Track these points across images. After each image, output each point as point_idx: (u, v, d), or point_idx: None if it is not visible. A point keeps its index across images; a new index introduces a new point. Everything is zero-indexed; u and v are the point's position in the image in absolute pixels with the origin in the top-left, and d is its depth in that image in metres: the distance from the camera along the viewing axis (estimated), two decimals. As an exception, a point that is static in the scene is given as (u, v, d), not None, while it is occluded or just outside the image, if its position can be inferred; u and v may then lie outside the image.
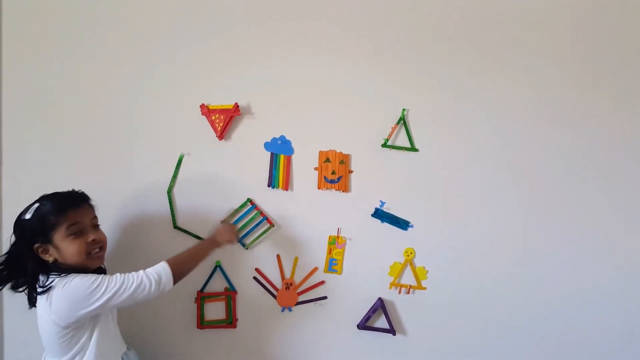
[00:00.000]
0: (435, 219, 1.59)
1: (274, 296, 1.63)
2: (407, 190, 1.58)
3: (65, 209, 1.20)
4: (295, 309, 1.64)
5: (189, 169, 1.57)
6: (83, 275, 1.18)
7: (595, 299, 1.62)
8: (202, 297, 1.59)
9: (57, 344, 1.17)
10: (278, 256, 1.61)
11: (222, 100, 1.54)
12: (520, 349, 1.65)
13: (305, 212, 1.59)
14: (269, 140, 1.57)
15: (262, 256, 1.61)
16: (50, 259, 1.19)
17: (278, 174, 1.57)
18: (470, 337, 1.65)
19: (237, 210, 1.58)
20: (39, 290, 1.17)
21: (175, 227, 1.57)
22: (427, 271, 1.62)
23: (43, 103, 1.55)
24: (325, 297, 1.63)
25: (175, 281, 1.25)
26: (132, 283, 1.17)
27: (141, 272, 1.21)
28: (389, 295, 1.63)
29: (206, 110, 1.53)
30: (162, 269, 1.24)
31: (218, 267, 1.59)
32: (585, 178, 1.59)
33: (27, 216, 1.17)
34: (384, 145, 1.56)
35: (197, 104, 1.54)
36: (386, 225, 1.59)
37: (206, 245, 1.42)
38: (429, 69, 1.55)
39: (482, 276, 1.61)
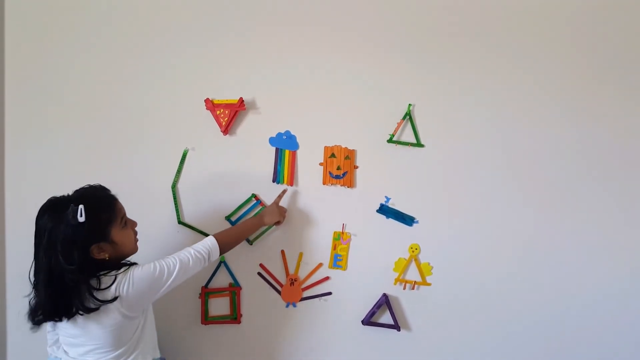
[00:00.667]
0: (440, 215, 1.59)
1: (279, 292, 1.62)
2: (412, 186, 1.58)
3: (111, 202, 1.18)
4: (299, 304, 1.64)
5: (193, 164, 1.56)
6: (138, 265, 1.18)
7: (600, 299, 1.63)
8: (207, 293, 1.58)
9: (116, 337, 1.15)
10: (282, 252, 1.60)
11: (226, 94, 1.53)
12: (523, 345, 1.66)
13: (310, 207, 1.59)
14: (274, 136, 1.56)
15: (267, 252, 1.60)
16: (107, 257, 1.14)
17: (283, 169, 1.56)
18: (474, 333, 1.65)
19: (242, 206, 1.57)
20: (109, 286, 1.10)
21: (180, 222, 1.56)
22: (432, 267, 1.62)
23: (46, 99, 1.54)
24: (329, 293, 1.63)
25: (221, 254, 1.33)
26: (189, 261, 1.23)
27: (192, 250, 1.26)
28: (394, 291, 1.63)
29: (211, 105, 1.52)
30: (211, 245, 1.30)
31: (222, 262, 1.58)
32: (591, 177, 1.59)
33: (81, 219, 1.06)
34: (390, 140, 1.55)
35: (201, 99, 1.53)
36: (391, 221, 1.59)
37: (254, 223, 1.46)
38: (435, 65, 1.54)
39: (487, 273, 1.62)
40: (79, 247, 1.07)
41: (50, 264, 1.07)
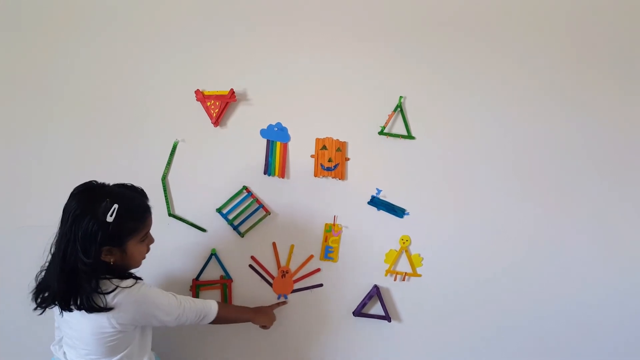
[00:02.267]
0: (431, 206, 1.60)
1: (270, 284, 1.62)
2: (403, 178, 1.59)
3: (145, 215, 1.16)
4: (291, 296, 1.64)
5: (183, 155, 1.55)
6: (144, 284, 1.17)
7: (596, 295, 1.67)
8: (198, 285, 1.58)
9: (105, 346, 1.13)
10: (274, 244, 1.60)
11: (217, 86, 1.52)
12: (514, 335, 1.69)
13: (302, 199, 1.58)
14: (265, 127, 1.55)
15: (258, 244, 1.60)
16: (112, 261, 1.11)
17: (274, 161, 1.56)
18: (464, 323, 1.67)
19: (232, 198, 1.56)
20: (107, 293, 1.08)
21: (170, 214, 1.55)
22: (423, 258, 1.63)
23: (34, 91, 1.50)
24: (321, 285, 1.64)
25: (212, 323, 1.33)
26: (190, 314, 1.25)
27: (196, 305, 1.27)
28: (385, 282, 1.65)
29: (201, 96, 1.51)
30: (211, 310, 1.31)
31: (213, 255, 1.58)
32: (585, 169, 1.60)
33: (110, 218, 1.04)
34: (381, 132, 1.55)
35: (191, 90, 1.51)
36: (382, 212, 1.60)
37: (247, 315, 1.48)
38: (426, 56, 1.54)
39: (477, 264, 1.64)
40: (96, 243, 1.05)
41: (67, 250, 1.05)
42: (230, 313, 1.44)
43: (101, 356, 1.14)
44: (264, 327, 1.53)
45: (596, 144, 1.60)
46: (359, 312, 1.64)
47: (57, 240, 1.10)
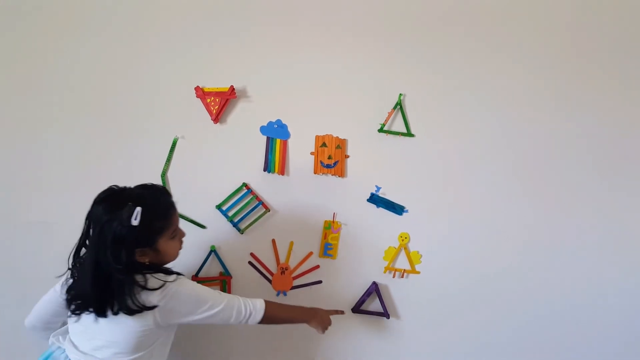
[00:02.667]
0: (430, 204, 1.61)
1: (269, 281, 1.63)
2: (402, 176, 1.59)
3: (170, 212, 1.17)
4: (290, 293, 1.64)
5: (183, 152, 1.55)
6: (186, 279, 1.19)
7: (596, 293, 1.68)
8: (197, 282, 1.58)
9: (138, 342, 1.13)
10: (273, 241, 1.61)
11: (217, 82, 1.52)
12: (511, 333, 1.70)
13: (301, 196, 1.59)
14: (265, 124, 1.55)
15: (258, 241, 1.60)
16: (146, 261, 1.13)
17: (274, 158, 1.56)
18: (463, 320, 1.68)
19: (232, 195, 1.56)
20: (154, 289, 1.10)
21: (170, 211, 1.55)
22: (421, 256, 1.64)
23: (34, 88, 1.50)
24: (320, 282, 1.64)
25: (261, 323, 1.27)
26: (234, 309, 1.21)
27: (241, 302, 1.24)
28: (383, 279, 1.65)
29: (201, 93, 1.51)
30: (259, 307, 1.26)
31: (213, 251, 1.58)
32: (585, 168, 1.61)
33: (135, 222, 1.05)
34: (381, 130, 1.56)
35: (191, 87, 1.51)
36: (381, 210, 1.60)
37: (303, 315, 1.41)
38: (426, 55, 1.54)
39: (476, 261, 1.64)
40: (127, 247, 1.06)
41: (98, 257, 1.06)
42: (281, 313, 1.35)
43: (126, 351, 1.14)
44: (319, 329, 1.43)
45: (596, 143, 1.60)
46: (358, 309, 1.64)
47: (85, 251, 1.11)
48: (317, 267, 1.63)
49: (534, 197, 1.62)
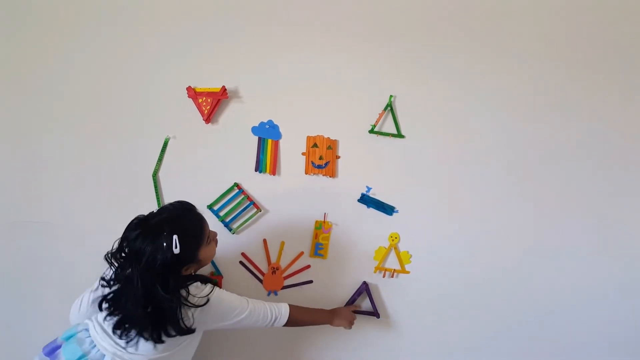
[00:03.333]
0: (420, 204, 1.62)
1: (260, 280, 1.63)
2: (393, 176, 1.61)
3: (202, 226, 1.21)
4: (281, 293, 1.65)
5: (174, 152, 1.55)
6: (224, 292, 1.24)
7: (585, 295, 1.68)
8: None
9: (180, 353, 1.20)
10: (264, 241, 1.61)
11: (209, 83, 1.52)
12: (502, 331, 1.71)
13: (292, 197, 1.60)
14: (257, 125, 1.56)
15: (249, 241, 1.61)
16: (192, 273, 1.20)
17: (265, 158, 1.57)
18: (452, 319, 1.70)
19: (224, 195, 1.57)
20: (197, 303, 1.15)
21: (161, 211, 1.55)
22: (411, 255, 1.66)
23: (25, 89, 1.50)
24: (311, 281, 1.65)
25: (286, 326, 1.36)
26: (260, 315, 1.29)
27: (267, 305, 1.32)
28: (374, 279, 1.67)
29: (193, 93, 1.51)
30: (283, 312, 1.34)
31: (204, 251, 1.58)
32: (581, 167, 1.61)
33: (176, 250, 1.09)
34: (371, 131, 1.57)
35: (183, 86, 1.51)
36: (372, 210, 1.62)
37: (324, 318, 1.50)
38: (417, 56, 1.56)
39: (465, 261, 1.66)
40: (173, 272, 1.11)
41: (147, 287, 1.08)
42: (304, 316, 1.44)
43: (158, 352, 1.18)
44: (344, 326, 1.52)
45: (592, 143, 1.60)
46: (348, 309, 1.66)
47: (126, 281, 1.11)
48: (308, 266, 1.64)
49: (526, 197, 1.63)
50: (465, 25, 1.55)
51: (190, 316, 1.15)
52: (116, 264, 1.14)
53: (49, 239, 1.56)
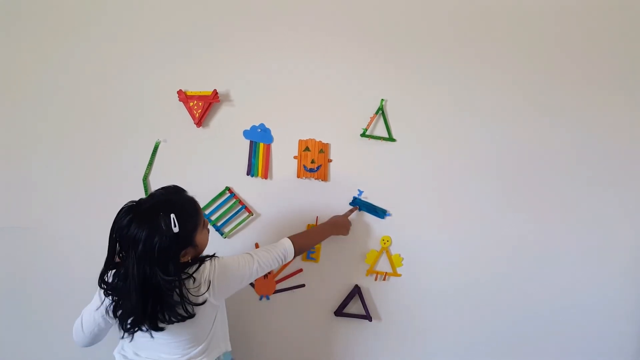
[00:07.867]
0: (411, 207, 1.63)
1: (252, 285, 1.63)
2: (384, 180, 1.61)
3: (197, 207, 1.18)
4: (273, 297, 1.65)
5: (165, 156, 1.54)
6: (228, 259, 1.22)
7: (573, 300, 1.69)
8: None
9: (207, 328, 1.20)
10: (257, 245, 1.61)
11: (200, 86, 1.51)
12: (493, 334, 1.72)
13: (284, 200, 1.60)
14: (248, 129, 1.56)
15: (241, 245, 1.60)
16: (189, 260, 1.15)
17: (257, 162, 1.56)
18: (443, 322, 1.71)
19: (215, 199, 1.56)
20: (198, 287, 1.13)
21: (151, 215, 1.53)
22: (403, 258, 1.66)
23: (16, 91, 1.48)
24: (303, 285, 1.65)
25: (295, 256, 1.37)
26: (268, 261, 1.28)
27: (272, 249, 1.31)
28: (366, 282, 1.67)
29: (184, 97, 1.50)
30: (288, 247, 1.34)
31: (195, 256, 1.57)
32: (568, 171, 1.61)
33: (176, 229, 1.05)
34: (363, 135, 1.58)
35: (174, 90, 1.50)
36: (364, 213, 1.62)
37: (325, 231, 1.51)
38: (408, 61, 1.57)
39: (456, 263, 1.67)
40: (173, 255, 1.07)
41: (146, 273, 1.04)
42: (308, 240, 1.45)
43: (202, 340, 1.19)
44: (343, 234, 1.56)
45: (582, 148, 1.61)
46: (341, 312, 1.66)
47: (124, 270, 1.07)
48: (300, 270, 1.64)
49: (517, 201, 1.64)
50: (456, 31, 1.56)
51: (204, 293, 1.13)
52: (112, 270, 1.10)
53: (38, 245, 1.53)
